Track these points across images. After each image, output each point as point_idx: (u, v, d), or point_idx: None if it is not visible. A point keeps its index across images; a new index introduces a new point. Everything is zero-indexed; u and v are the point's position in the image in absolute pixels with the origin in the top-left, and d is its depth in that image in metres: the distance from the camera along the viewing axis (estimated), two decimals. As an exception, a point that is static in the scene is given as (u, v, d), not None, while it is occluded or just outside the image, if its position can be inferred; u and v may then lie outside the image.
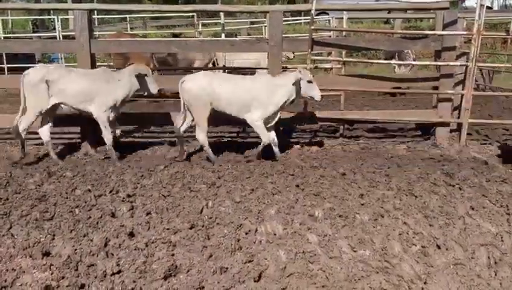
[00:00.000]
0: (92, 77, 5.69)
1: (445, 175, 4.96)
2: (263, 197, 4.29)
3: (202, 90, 5.50)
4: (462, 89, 6.48)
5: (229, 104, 5.58)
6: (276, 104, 5.59)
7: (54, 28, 15.57)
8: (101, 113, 5.67)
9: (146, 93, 5.94)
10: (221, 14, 12.73)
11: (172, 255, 3.16)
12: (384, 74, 8.01)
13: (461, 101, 6.56)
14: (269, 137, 5.72)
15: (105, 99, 5.65)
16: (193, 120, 5.74)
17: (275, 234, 3.55)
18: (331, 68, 11.31)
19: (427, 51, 12.78)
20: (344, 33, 10.08)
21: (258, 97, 5.54)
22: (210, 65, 11.17)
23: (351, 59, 11.68)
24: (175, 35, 14.80)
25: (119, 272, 2.96)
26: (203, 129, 5.63)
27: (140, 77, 5.74)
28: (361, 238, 3.47)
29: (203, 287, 2.86)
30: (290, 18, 18.32)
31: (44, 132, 5.80)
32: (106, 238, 3.36)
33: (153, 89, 5.82)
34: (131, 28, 18.85)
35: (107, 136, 5.74)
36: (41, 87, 5.48)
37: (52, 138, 5.92)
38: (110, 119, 5.76)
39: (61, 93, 5.56)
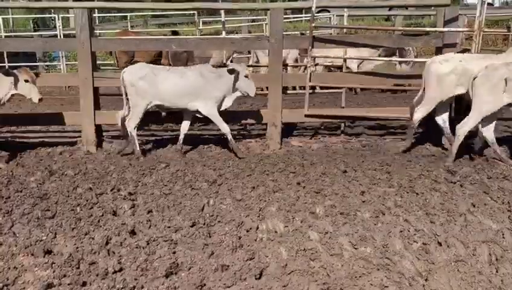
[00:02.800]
0: None
1: (447, 172, 4.95)
2: (264, 194, 4.30)
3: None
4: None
5: None
6: None
7: (55, 27, 15.54)
8: None
9: None
10: (222, 11, 12.67)
11: (174, 253, 3.16)
12: (386, 71, 7.99)
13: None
14: None
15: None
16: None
17: (276, 232, 3.56)
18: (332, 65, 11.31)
19: (428, 48, 12.75)
20: (345, 30, 10.05)
21: None
22: (229, 62, 10.83)
23: (352, 56, 11.62)
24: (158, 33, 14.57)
25: (120, 270, 2.96)
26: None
27: None
28: (363, 235, 3.47)
29: (205, 285, 2.87)
30: (290, 15, 18.28)
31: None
32: (107, 237, 3.37)
33: None
34: (131, 27, 18.82)
35: None
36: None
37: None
38: None
39: None
